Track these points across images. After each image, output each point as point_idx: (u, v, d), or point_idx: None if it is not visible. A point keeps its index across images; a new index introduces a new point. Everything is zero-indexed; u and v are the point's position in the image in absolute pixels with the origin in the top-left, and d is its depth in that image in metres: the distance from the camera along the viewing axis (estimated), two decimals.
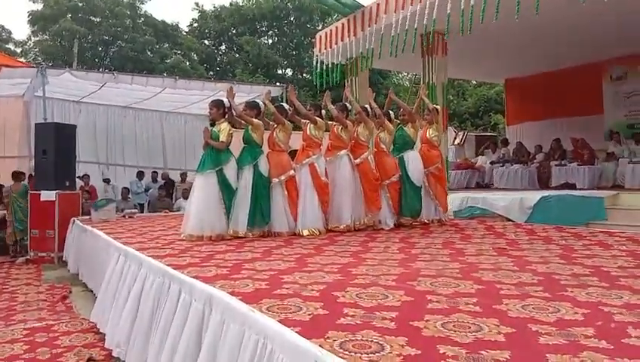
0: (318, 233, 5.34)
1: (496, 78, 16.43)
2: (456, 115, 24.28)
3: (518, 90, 14.30)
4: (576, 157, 10.18)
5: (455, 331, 1.89)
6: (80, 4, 26.45)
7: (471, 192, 8.93)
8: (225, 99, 5.54)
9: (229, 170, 5.20)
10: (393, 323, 2.01)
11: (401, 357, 1.62)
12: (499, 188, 10.41)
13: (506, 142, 13.06)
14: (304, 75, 30.72)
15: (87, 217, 7.55)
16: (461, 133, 17.45)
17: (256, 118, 5.49)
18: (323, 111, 5.88)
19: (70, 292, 5.89)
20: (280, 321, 1.99)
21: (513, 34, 9.21)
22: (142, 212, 10.24)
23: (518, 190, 9.60)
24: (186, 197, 10.67)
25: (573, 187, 9.19)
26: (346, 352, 1.68)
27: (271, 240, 5.01)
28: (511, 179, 10.76)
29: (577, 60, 11.41)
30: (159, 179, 12.18)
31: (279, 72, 31.08)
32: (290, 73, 31.65)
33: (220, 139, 5.22)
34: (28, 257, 8.00)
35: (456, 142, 15.98)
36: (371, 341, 1.79)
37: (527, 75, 13.27)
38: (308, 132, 5.68)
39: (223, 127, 5.29)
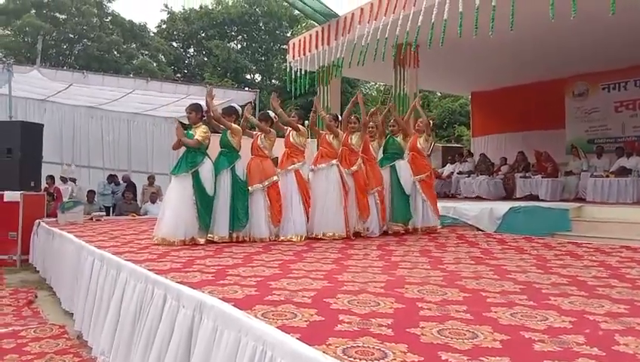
0: (301, 239, 5.40)
1: (463, 90, 16.83)
2: None
3: (484, 103, 14.69)
4: (540, 170, 10.52)
5: (452, 338, 1.93)
6: (45, 0, 25.69)
7: (441, 201, 9.08)
8: (203, 103, 5.49)
9: (205, 172, 5.12)
10: (390, 329, 2.03)
11: None
12: (465, 198, 10.63)
13: (470, 154, 13.37)
14: (273, 80, 30.68)
15: (53, 219, 7.33)
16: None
17: (234, 123, 5.47)
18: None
19: (36, 296, 5.70)
20: (278, 328, 1.99)
21: (482, 49, 9.46)
22: (108, 215, 10.00)
23: (484, 200, 9.83)
24: (153, 201, 10.49)
25: (536, 198, 9.48)
26: (350, 359, 1.69)
27: (248, 245, 4.98)
28: (476, 190, 11.02)
29: (542, 76, 11.82)
30: (121, 181, 11.91)
31: (248, 76, 30.95)
32: (259, 78, 31.56)
33: (195, 138, 5.15)
34: None
35: None
36: (373, 347, 1.81)
37: (494, 88, 13.66)
38: (291, 139, 5.71)
39: (201, 128, 5.24)
